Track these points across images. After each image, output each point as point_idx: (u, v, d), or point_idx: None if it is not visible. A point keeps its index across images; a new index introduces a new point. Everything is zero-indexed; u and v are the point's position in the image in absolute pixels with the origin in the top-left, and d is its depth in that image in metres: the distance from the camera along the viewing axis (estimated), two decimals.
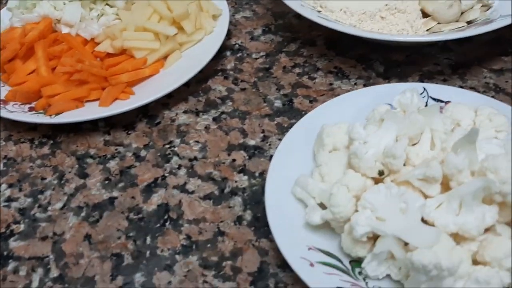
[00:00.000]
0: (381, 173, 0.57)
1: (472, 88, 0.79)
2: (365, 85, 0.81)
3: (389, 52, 0.85)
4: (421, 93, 0.70)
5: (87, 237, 0.64)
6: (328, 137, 0.63)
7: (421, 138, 0.58)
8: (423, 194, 0.54)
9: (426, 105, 0.68)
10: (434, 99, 0.69)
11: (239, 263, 0.60)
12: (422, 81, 0.80)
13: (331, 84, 0.82)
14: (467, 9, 0.83)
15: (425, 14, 0.85)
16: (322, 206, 0.58)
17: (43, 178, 0.71)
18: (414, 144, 0.59)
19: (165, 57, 0.84)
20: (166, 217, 0.65)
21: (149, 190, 0.68)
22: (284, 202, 0.60)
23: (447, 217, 0.51)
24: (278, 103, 0.79)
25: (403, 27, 0.81)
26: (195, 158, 0.72)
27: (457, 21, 0.82)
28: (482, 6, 0.84)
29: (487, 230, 0.52)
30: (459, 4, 0.82)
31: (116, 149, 0.74)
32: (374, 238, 0.53)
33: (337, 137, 0.62)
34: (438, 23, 0.82)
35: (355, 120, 0.64)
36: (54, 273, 0.61)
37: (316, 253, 0.56)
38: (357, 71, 0.83)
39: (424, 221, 0.52)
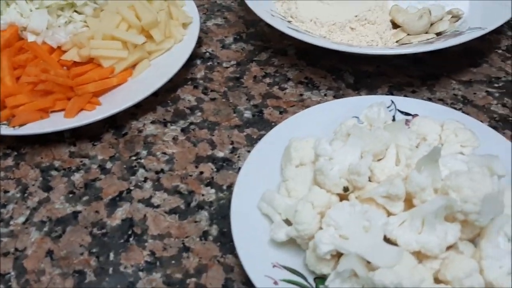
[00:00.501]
0: (346, 189, 0.57)
1: (440, 100, 0.79)
2: (335, 96, 0.81)
3: (359, 63, 0.85)
4: (389, 106, 0.70)
5: (49, 253, 0.63)
6: (295, 152, 0.62)
7: (387, 154, 0.59)
8: (387, 211, 0.54)
9: (394, 118, 0.69)
10: (401, 112, 0.70)
11: (203, 280, 0.59)
12: (392, 93, 0.81)
13: (301, 95, 0.81)
14: (437, 21, 0.83)
15: (395, 25, 0.85)
16: (288, 222, 0.58)
17: (6, 191, 0.69)
18: (379, 160, 0.59)
19: (134, 66, 0.82)
20: (130, 232, 0.64)
21: (113, 204, 0.67)
22: (250, 217, 0.59)
23: (409, 235, 0.51)
24: (248, 114, 0.79)
25: (373, 38, 0.81)
26: (162, 171, 0.71)
27: (426, 32, 0.83)
28: (452, 17, 0.85)
29: (449, 247, 0.53)
30: (428, 15, 0.82)
31: (81, 161, 0.73)
32: (338, 255, 0.53)
33: (304, 151, 0.62)
34: (408, 34, 0.82)
35: (323, 133, 0.64)
36: None
37: (281, 270, 0.55)
38: (327, 81, 0.83)
39: (387, 239, 0.52)
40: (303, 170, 0.61)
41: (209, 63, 0.88)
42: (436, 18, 0.83)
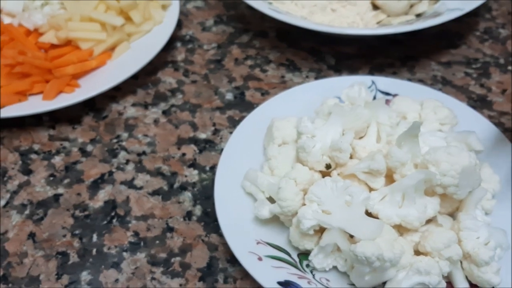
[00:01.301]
0: (328, 166, 0.57)
1: (420, 81, 0.80)
2: (316, 78, 0.81)
3: (340, 45, 0.85)
4: (370, 86, 0.70)
5: (31, 235, 0.62)
6: (277, 131, 0.63)
7: (368, 131, 0.59)
8: (369, 186, 0.55)
9: (375, 98, 0.69)
10: (382, 92, 0.70)
11: (188, 259, 0.59)
12: (373, 74, 0.81)
13: (283, 76, 0.81)
14: (416, 2, 0.84)
15: (375, 7, 0.85)
16: (271, 200, 0.58)
17: None
18: (361, 138, 0.59)
19: (113, 48, 0.81)
20: (113, 214, 0.64)
21: (95, 186, 0.67)
22: (233, 196, 0.60)
23: (390, 209, 0.52)
24: (229, 96, 0.78)
25: (354, 19, 0.81)
26: (144, 153, 0.70)
27: (406, 14, 0.83)
28: None
29: (429, 221, 0.54)
30: None
31: (61, 144, 0.72)
32: (321, 231, 0.54)
33: (286, 131, 0.62)
34: (388, 15, 0.83)
35: (305, 113, 0.64)
36: None
37: (265, 247, 0.56)
38: (308, 63, 0.83)
39: (369, 213, 0.53)
40: (286, 149, 0.61)
41: (189, 46, 0.87)
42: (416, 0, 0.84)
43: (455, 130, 0.63)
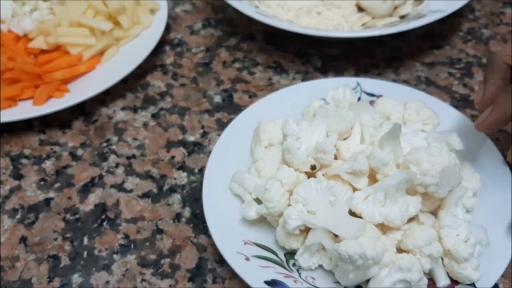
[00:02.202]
0: (313, 167, 0.58)
1: (405, 81, 0.81)
2: (303, 80, 0.82)
3: (326, 47, 0.87)
4: (355, 88, 0.72)
5: (23, 239, 0.63)
6: (264, 133, 0.64)
7: (352, 132, 0.60)
8: (352, 186, 0.56)
9: (359, 99, 0.71)
10: (367, 93, 0.72)
11: (177, 260, 0.61)
12: (358, 75, 0.83)
13: (270, 79, 0.83)
14: (400, 4, 0.85)
15: (360, 9, 0.87)
16: (258, 201, 0.59)
17: None
18: (345, 139, 0.61)
19: (102, 53, 0.82)
20: (103, 217, 0.65)
21: (86, 190, 0.68)
22: (221, 198, 0.61)
23: (373, 209, 0.54)
24: (217, 99, 0.80)
25: (339, 22, 0.83)
26: (133, 156, 0.72)
27: (390, 15, 0.85)
28: (415, 0, 0.87)
29: (412, 219, 0.55)
30: None
31: (51, 149, 0.73)
32: (306, 230, 0.55)
33: (273, 133, 0.64)
34: (373, 18, 0.84)
35: (291, 115, 0.66)
36: None
37: (252, 247, 0.57)
38: (295, 65, 0.85)
39: (353, 213, 0.54)
40: (272, 151, 0.62)
41: (178, 49, 0.88)
42: (400, 1, 0.85)
43: (438, 129, 0.65)
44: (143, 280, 0.59)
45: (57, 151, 0.72)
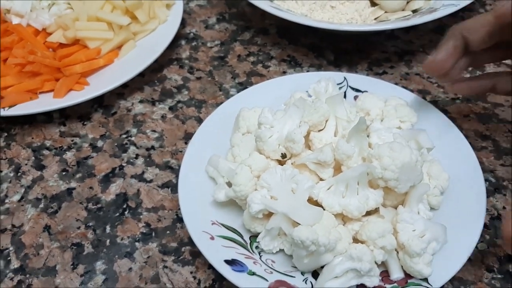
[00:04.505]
0: (283, 156, 0.60)
1: (417, 75, 0.83)
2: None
3: (338, 41, 0.88)
4: (341, 82, 0.73)
5: (47, 228, 0.65)
6: (243, 120, 0.65)
7: (327, 125, 0.62)
8: (318, 177, 0.58)
9: (345, 95, 0.72)
10: (353, 88, 0.73)
11: (197, 247, 0.62)
12: (371, 69, 0.84)
13: (284, 72, 0.84)
14: None
15: (373, 3, 0.88)
16: (230, 184, 0.60)
17: None
18: (320, 130, 0.62)
19: (119, 47, 0.84)
20: (124, 206, 0.66)
21: (107, 180, 0.69)
22: (197, 180, 0.62)
23: (333, 199, 0.55)
24: (233, 91, 0.81)
25: (352, 16, 0.84)
26: (152, 147, 0.73)
27: (403, 9, 0.86)
28: None
29: (374, 212, 0.57)
30: None
31: (72, 140, 0.74)
32: (270, 215, 0.56)
33: (251, 120, 0.65)
34: (385, 12, 0.86)
35: (276, 105, 0.67)
36: (15, 264, 0.61)
37: (219, 227, 0.59)
38: (309, 59, 0.86)
39: (315, 201, 0.56)
40: (248, 137, 0.64)
41: (193, 43, 0.89)
42: None
43: (416, 127, 0.65)
44: (164, 267, 0.60)
45: (77, 143, 0.74)
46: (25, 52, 0.77)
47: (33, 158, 0.72)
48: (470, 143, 0.65)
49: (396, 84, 0.79)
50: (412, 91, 0.79)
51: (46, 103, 0.75)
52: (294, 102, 0.62)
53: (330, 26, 0.77)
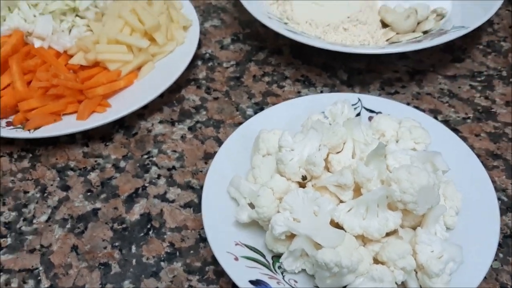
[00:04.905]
0: (304, 178, 0.63)
1: (428, 94, 0.85)
2: (330, 93, 0.86)
3: (350, 60, 0.90)
4: (356, 103, 0.75)
5: (74, 248, 0.67)
6: (263, 142, 0.68)
7: (344, 147, 0.64)
8: (339, 198, 0.60)
9: (359, 114, 0.74)
10: (367, 109, 0.75)
11: (220, 267, 0.64)
12: (383, 88, 0.86)
13: (299, 92, 0.87)
14: (423, 20, 0.89)
15: (384, 24, 0.91)
16: (252, 205, 0.62)
17: (25, 192, 0.73)
18: (338, 152, 0.64)
19: (139, 68, 0.86)
20: (149, 226, 0.69)
21: (130, 200, 0.72)
22: (219, 200, 0.65)
23: (354, 221, 0.58)
24: (250, 111, 0.83)
25: (365, 37, 0.87)
26: (174, 168, 0.75)
27: (414, 31, 0.88)
28: (437, 15, 0.91)
29: (392, 233, 0.59)
30: (415, 15, 0.88)
31: (95, 161, 0.77)
32: (292, 236, 0.59)
33: (271, 142, 0.67)
34: (397, 33, 0.88)
35: (293, 126, 0.70)
36: (45, 284, 0.63)
37: (242, 248, 0.61)
38: (322, 79, 0.88)
39: (336, 223, 0.58)
40: (269, 159, 0.66)
41: (209, 64, 0.92)
42: (422, 17, 0.89)
43: (429, 148, 0.67)
44: (190, 286, 0.63)
45: (100, 163, 0.76)
46: (48, 75, 0.79)
47: (58, 178, 0.74)
48: (482, 162, 0.68)
49: (408, 103, 0.82)
50: (423, 110, 0.82)
51: (70, 125, 0.77)
52: (312, 124, 0.65)
53: (344, 49, 0.80)
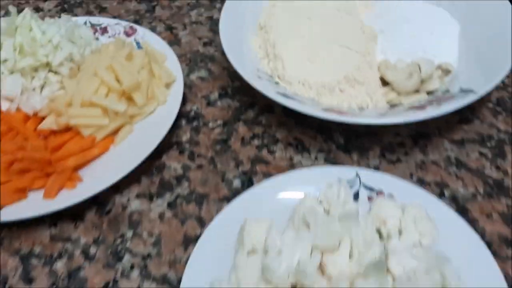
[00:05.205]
0: (294, 286, 0.56)
1: (434, 163, 0.77)
2: (325, 160, 0.78)
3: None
4: (353, 179, 0.68)
5: None
6: (248, 236, 0.60)
7: (340, 247, 0.57)
8: None
9: (357, 194, 0.67)
10: (366, 186, 0.68)
11: None
12: (383, 155, 0.78)
13: (291, 159, 0.79)
14: (427, 78, 0.81)
15: (384, 82, 0.83)
16: None
17: None
18: (333, 252, 0.57)
19: (116, 132, 0.79)
20: None
21: None
22: None
23: None
24: (237, 183, 0.76)
25: (363, 99, 0.79)
26: (149, 255, 0.68)
27: (417, 90, 0.81)
28: (442, 71, 0.83)
29: None
30: (418, 73, 0.80)
31: (63, 246, 0.69)
32: None
33: (257, 236, 0.60)
34: (398, 93, 0.80)
35: (284, 209, 0.64)
36: None
37: None
38: (317, 143, 0.81)
39: None
40: (254, 259, 0.59)
41: (194, 124, 0.84)
42: (426, 74, 0.81)
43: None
44: None
45: (68, 249, 0.69)
46: (14, 146, 0.72)
47: (21, 268, 0.67)
48: (494, 252, 0.60)
49: (411, 174, 0.75)
50: (429, 184, 0.74)
51: (36, 205, 0.69)
52: (306, 217, 0.58)
53: (340, 118, 0.72)
